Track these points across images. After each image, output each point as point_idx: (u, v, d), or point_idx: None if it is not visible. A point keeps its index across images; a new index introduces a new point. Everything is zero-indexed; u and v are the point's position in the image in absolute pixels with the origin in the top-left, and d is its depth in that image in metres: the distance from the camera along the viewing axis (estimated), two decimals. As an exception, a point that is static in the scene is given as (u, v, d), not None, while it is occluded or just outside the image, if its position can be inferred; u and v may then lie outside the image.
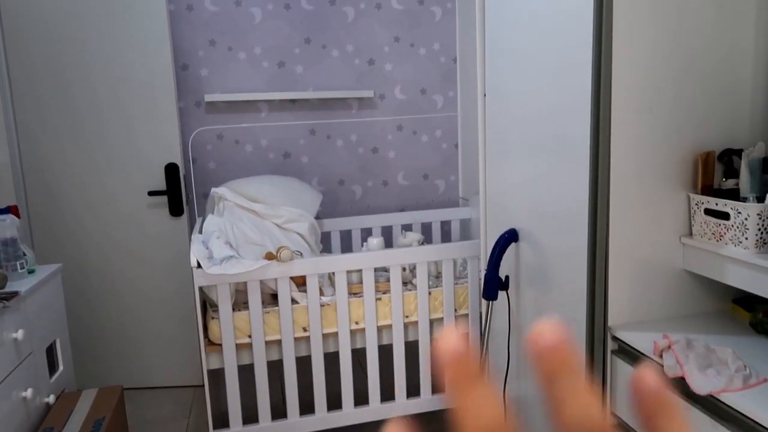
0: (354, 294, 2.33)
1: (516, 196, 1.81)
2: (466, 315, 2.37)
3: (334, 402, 2.61)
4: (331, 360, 3.06)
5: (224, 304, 2.06)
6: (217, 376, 3.11)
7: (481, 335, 2.11)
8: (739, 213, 1.33)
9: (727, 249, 1.36)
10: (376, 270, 2.54)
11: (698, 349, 1.29)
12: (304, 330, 2.22)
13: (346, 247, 3.26)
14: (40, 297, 2.06)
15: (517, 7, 1.70)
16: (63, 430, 1.80)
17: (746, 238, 1.32)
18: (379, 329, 2.30)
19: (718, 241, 1.40)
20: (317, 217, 3.11)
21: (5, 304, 1.77)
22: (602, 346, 1.49)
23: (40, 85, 2.73)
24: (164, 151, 2.84)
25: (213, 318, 2.16)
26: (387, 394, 2.47)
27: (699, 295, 1.53)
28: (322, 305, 2.22)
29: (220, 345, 2.14)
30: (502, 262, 1.92)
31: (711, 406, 1.19)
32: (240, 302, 2.30)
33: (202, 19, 2.97)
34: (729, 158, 1.45)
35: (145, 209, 2.88)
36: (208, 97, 2.95)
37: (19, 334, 1.82)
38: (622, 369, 1.44)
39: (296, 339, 2.22)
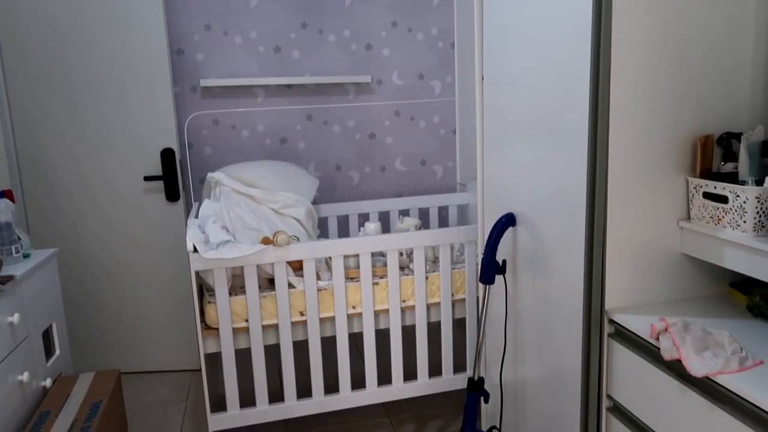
0: (351, 279, 2.32)
1: (514, 180, 1.80)
2: (463, 299, 2.38)
3: (331, 386, 2.62)
4: (328, 344, 3.07)
5: (221, 289, 2.06)
6: (214, 360, 3.12)
7: (478, 319, 2.12)
8: (738, 196, 1.33)
9: (725, 232, 1.36)
10: (373, 255, 2.53)
11: (695, 332, 1.29)
12: (301, 314, 2.22)
13: (344, 232, 3.26)
14: (35, 281, 2.05)
15: (516, -12, 1.68)
16: (60, 414, 1.80)
17: (744, 222, 1.32)
18: (376, 314, 2.30)
19: (716, 224, 1.39)
20: (314, 203, 3.10)
21: (1, 288, 1.76)
22: (599, 330, 1.49)
23: (34, 71, 2.70)
24: (160, 137, 2.82)
25: (210, 302, 2.16)
26: (384, 378, 2.49)
27: (696, 278, 1.53)
28: (319, 290, 2.22)
29: (217, 329, 2.14)
30: (500, 247, 1.92)
31: (707, 388, 1.20)
32: (237, 287, 2.29)
33: (198, 3, 2.94)
34: (728, 142, 1.45)
35: (142, 194, 2.87)
36: (204, 82, 2.93)
37: (15, 318, 1.82)
38: (619, 352, 1.45)
39: (293, 323, 2.22)
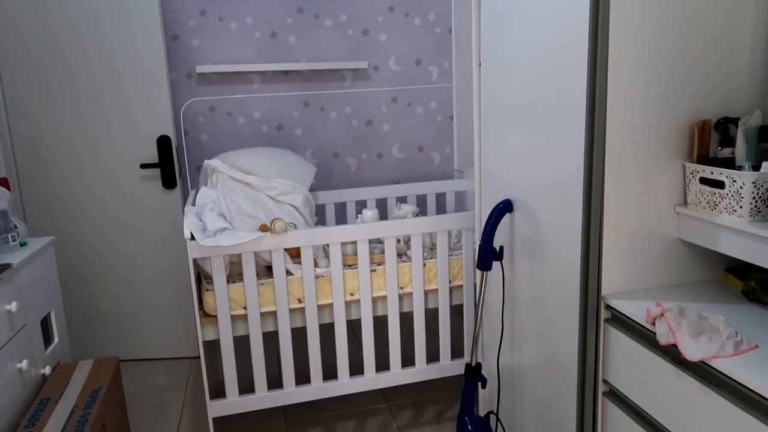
0: (349, 266, 2.33)
1: (511, 166, 1.80)
2: (461, 286, 2.38)
3: (330, 372, 2.64)
4: (327, 331, 3.08)
5: (219, 276, 2.06)
6: (213, 348, 3.13)
7: (476, 305, 2.12)
8: (734, 181, 1.33)
9: (722, 218, 1.36)
10: (370, 242, 2.54)
11: (690, 316, 1.30)
12: (299, 301, 2.22)
13: (341, 219, 3.26)
14: (33, 269, 2.05)
15: (513, -28, 1.67)
16: (59, 401, 1.81)
17: (741, 207, 1.32)
18: (374, 301, 2.31)
19: (712, 210, 1.40)
20: (311, 190, 3.10)
21: (-2, 276, 1.76)
22: (595, 315, 1.50)
23: (28, 58, 2.68)
24: (156, 124, 2.81)
25: (208, 290, 2.16)
26: (382, 364, 2.50)
27: (692, 264, 1.54)
28: (316, 277, 2.22)
29: (215, 317, 2.14)
30: (497, 233, 1.93)
31: (702, 372, 1.20)
32: (234, 274, 2.30)
33: (193, -13, 2.91)
34: (725, 127, 1.44)
35: (138, 182, 2.86)
36: (200, 68, 2.91)
37: (13, 306, 1.82)
38: (615, 337, 1.45)
39: (291, 310, 2.23)
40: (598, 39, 1.35)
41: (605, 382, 1.52)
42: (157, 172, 2.86)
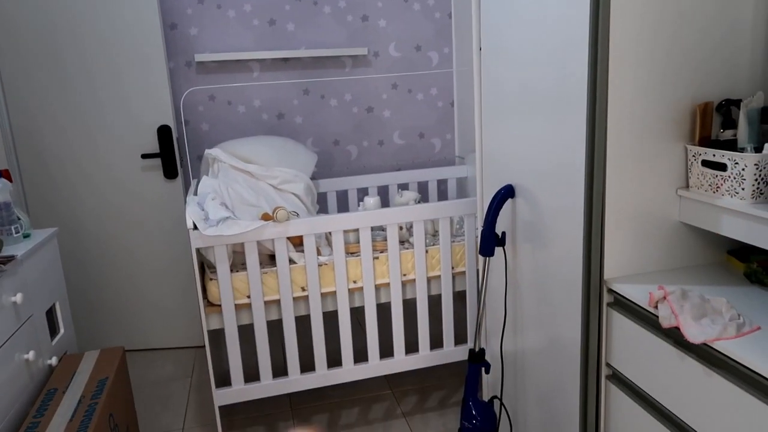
0: (351, 253, 2.33)
1: (512, 151, 1.80)
2: (463, 272, 2.39)
3: (334, 359, 2.65)
4: (330, 319, 3.09)
5: (222, 266, 2.07)
6: (217, 337, 3.15)
7: (478, 292, 2.13)
8: (737, 164, 1.32)
9: (724, 200, 1.36)
10: (373, 229, 2.54)
11: (693, 299, 1.30)
12: (303, 290, 2.23)
13: (343, 207, 3.26)
14: (37, 261, 2.06)
15: (513, -44, 1.65)
16: (67, 391, 1.83)
17: (743, 189, 1.32)
18: (377, 288, 2.32)
19: (714, 192, 1.39)
20: (313, 178, 3.10)
21: (2, 269, 1.77)
22: (598, 299, 1.50)
23: (27, 50, 2.67)
24: (156, 113, 2.80)
25: (211, 279, 2.17)
26: (386, 351, 2.51)
27: (694, 247, 1.54)
28: (319, 265, 2.23)
29: (220, 306, 2.15)
30: (499, 219, 1.92)
31: (705, 354, 1.21)
32: (238, 263, 2.30)
33: (190, -25, 2.89)
34: (727, 109, 1.44)
35: (139, 172, 2.86)
36: (199, 57, 2.90)
37: (18, 298, 1.83)
38: (617, 321, 1.46)
39: (295, 299, 2.24)
40: (599, 22, 1.34)
41: (608, 365, 1.53)
42: (158, 162, 2.86)
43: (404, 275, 2.32)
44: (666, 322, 1.27)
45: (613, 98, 1.39)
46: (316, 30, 3.07)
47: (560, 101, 1.52)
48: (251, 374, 2.65)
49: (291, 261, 2.25)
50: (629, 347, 1.43)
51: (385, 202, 3.27)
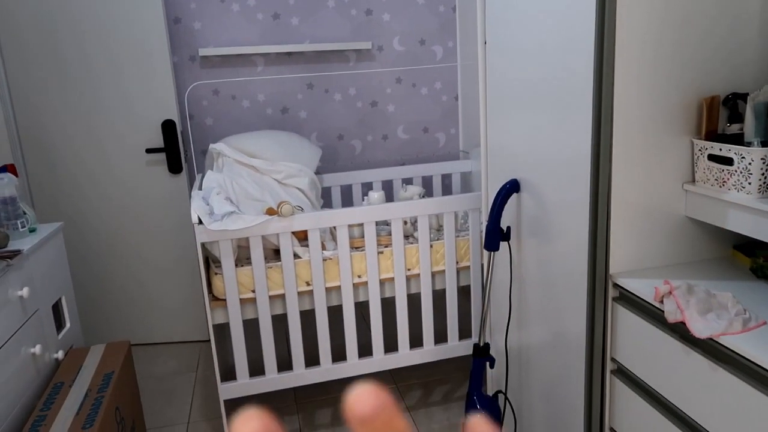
0: (356, 248, 2.33)
1: (518, 146, 1.79)
2: (468, 267, 2.39)
3: (339, 354, 2.66)
4: (335, 313, 3.10)
5: (227, 260, 2.07)
6: (222, 331, 3.16)
7: (483, 286, 2.13)
8: (743, 158, 1.32)
9: (730, 194, 1.35)
10: (377, 224, 2.54)
11: (699, 294, 1.30)
12: (307, 284, 2.23)
13: (347, 201, 3.26)
14: (43, 255, 2.07)
15: (518, -51, 1.65)
16: (73, 385, 1.84)
17: (749, 183, 1.31)
18: (382, 282, 2.32)
19: (721, 187, 1.39)
20: (317, 173, 3.10)
21: (9, 263, 1.77)
22: (603, 294, 1.50)
23: (31, 45, 2.67)
24: (160, 108, 2.80)
25: (216, 274, 2.17)
26: (390, 346, 2.51)
27: (700, 241, 1.53)
28: (324, 260, 2.23)
29: (225, 300, 2.16)
30: (504, 213, 1.92)
31: (710, 349, 1.21)
32: (242, 258, 2.31)
33: (194, -31, 2.88)
34: (734, 102, 1.43)
35: (144, 167, 2.87)
36: (203, 51, 2.89)
37: (25, 292, 1.84)
38: (623, 316, 1.46)
39: (299, 293, 2.24)
40: (605, 14, 1.33)
41: (613, 360, 1.53)
42: (162, 156, 2.87)
43: (409, 270, 2.32)
44: (672, 316, 1.27)
45: (619, 92, 1.38)
46: (320, 24, 3.07)
47: (566, 95, 1.51)
48: (256, 368, 2.66)
49: (296, 255, 2.25)
50: (634, 342, 1.42)
51: (389, 197, 3.27)
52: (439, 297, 3.18)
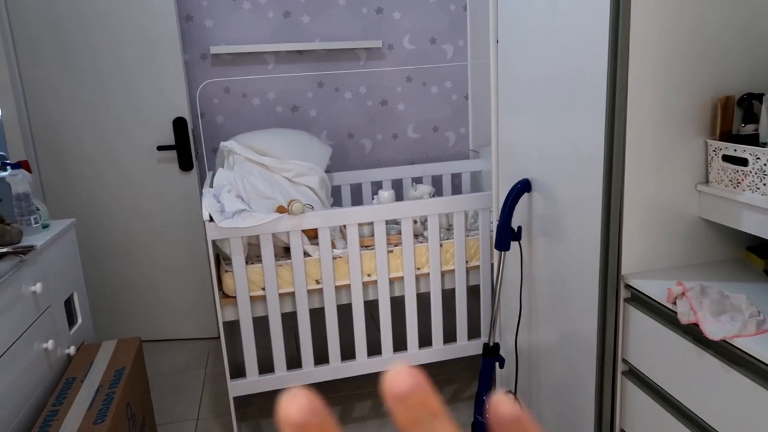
0: (366, 247, 2.34)
1: (529, 145, 1.79)
2: (477, 267, 2.39)
3: (348, 352, 2.66)
4: (344, 311, 3.10)
5: (237, 258, 2.08)
6: (232, 328, 3.18)
7: (493, 286, 2.13)
8: (758, 159, 1.30)
9: (744, 195, 1.34)
10: (387, 223, 2.54)
11: (712, 295, 1.29)
12: (317, 282, 2.24)
13: (357, 200, 3.26)
14: (55, 251, 2.08)
15: (532, -53, 1.64)
16: (85, 380, 1.85)
17: (764, 184, 1.30)
18: (391, 281, 2.32)
19: (735, 188, 1.38)
20: (327, 171, 3.10)
21: (22, 258, 1.79)
22: (615, 295, 1.49)
23: (43, 42, 2.69)
24: (172, 106, 2.82)
25: (227, 271, 2.18)
26: (399, 345, 2.51)
27: (713, 243, 1.52)
28: (334, 258, 2.23)
29: (235, 297, 2.17)
30: (515, 213, 1.92)
31: (724, 351, 1.20)
32: (253, 255, 2.31)
33: (206, -32, 2.89)
34: (749, 103, 1.42)
35: (155, 164, 2.88)
36: (214, 49, 2.90)
37: (38, 288, 1.85)
38: (634, 317, 1.45)
39: (309, 291, 2.25)
40: (620, 13, 1.33)
41: (624, 361, 1.52)
42: (173, 154, 2.88)
43: (418, 269, 2.32)
44: (685, 318, 1.26)
45: (633, 91, 1.37)
46: (331, 22, 3.07)
47: (579, 94, 1.50)
48: (265, 366, 2.67)
49: (306, 254, 2.26)
50: (646, 343, 1.42)
51: (399, 196, 3.27)
52: (448, 296, 3.18)
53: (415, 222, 2.50)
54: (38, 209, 2.08)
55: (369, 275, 2.29)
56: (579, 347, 1.64)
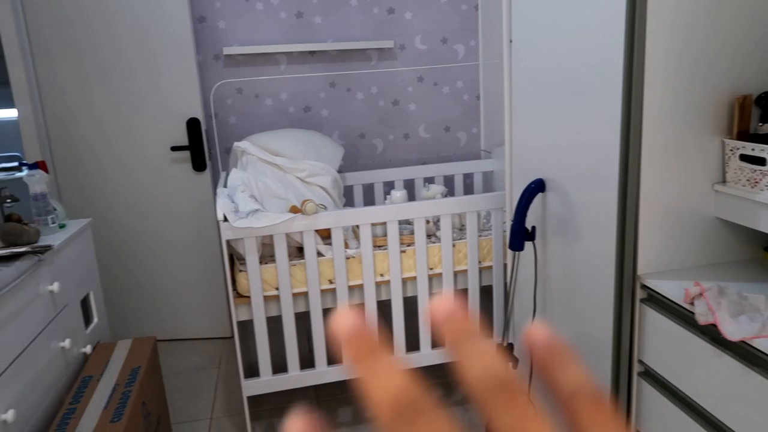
0: (378, 247, 2.34)
1: (543, 145, 1.78)
2: (490, 267, 2.38)
3: (360, 352, 2.66)
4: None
5: (251, 257, 2.09)
6: (245, 328, 3.19)
7: (506, 286, 2.12)
8: (777, 158, 1.29)
9: (762, 195, 1.33)
10: (400, 223, 2.54)
11: (730, 296, 1.28)
12: (330, 282, 2.25)
13: (369, 200, 3.27)
14: (72, 251, 2.10)
15: (546, -53, 1.63)
16: (101, 378, 1.87)
17: (783, 184, 1.29)
18: (404, 281, 2.32)
19: (752, 187, 1.37)
20: (339, 171, 3.11)
21: (40, 258, 1.81)
22: (631, 295, 1.49)
23: (60, 43, 2.72)
24: (185, 106, 2.83)
25: (240, 271, 2.19)
26: (412, 344, 2.52)
27: (730, 243, 1.51)
28: (347, 258, 2.24)
29: (248, 297, 2.18)
30: (528, 213, 1.91)
31: (743, 352, 1.19)
32: (266, 255, 2.32)
33: (219, -31, 2.91)
34: (767, 102, 1.40)
35: (169, 164, 2.90)
36: (227, 50, 2.92)
37: (55, 287, 1.87)
38: (651, 317, 1.44)
39: (322, 291, 2.25)
40: (636, 12, 1.32)
41: (641, 362, 1.52)
42: (187, 154, 2.90)
43: (431, 269, 2.32)
44: (703, 318, 1.25)
45: (649, 90, 1.37)
46: (343, 23, 3.07)
47: (594, 93, 1.50)
48: (278, 365, 2.68)
49: (319, 254, 2.26)
50: (663, 344, 1.41)
51: (410, 196, 3.27)
52: (460, 297, 3.18)
53: (427, 222, 2.50)
54: (55, 209, 2.10)
55: (382, 275, 2.29)
56: (594, 348, 1.63)
